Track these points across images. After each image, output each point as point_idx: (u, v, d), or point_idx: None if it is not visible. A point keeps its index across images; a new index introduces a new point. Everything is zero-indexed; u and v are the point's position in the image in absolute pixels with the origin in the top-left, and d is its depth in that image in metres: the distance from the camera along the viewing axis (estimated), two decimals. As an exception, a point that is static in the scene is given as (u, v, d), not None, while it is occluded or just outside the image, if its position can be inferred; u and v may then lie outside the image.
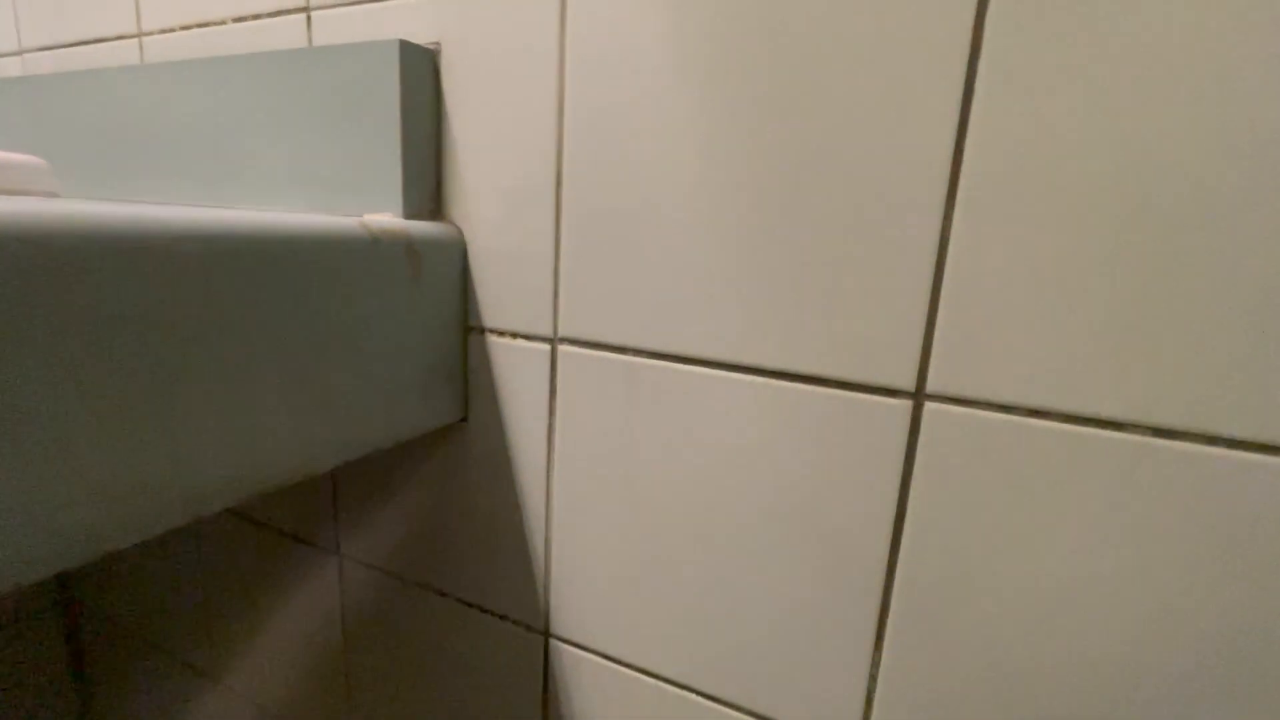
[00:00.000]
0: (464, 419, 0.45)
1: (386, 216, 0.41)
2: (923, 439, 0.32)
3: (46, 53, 0.62)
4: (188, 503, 0.28)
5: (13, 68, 0.65)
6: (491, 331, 0.43)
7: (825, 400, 0.34)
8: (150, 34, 0.55)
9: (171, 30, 0.53)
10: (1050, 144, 0.28)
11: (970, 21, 0.28)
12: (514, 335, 0.42)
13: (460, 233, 0.43)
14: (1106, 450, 0.28)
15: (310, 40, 0.46)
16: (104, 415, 0.25)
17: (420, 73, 0.41)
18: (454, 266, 0.42)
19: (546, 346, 0.41)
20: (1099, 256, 0.28)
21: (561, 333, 0.40)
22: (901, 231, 0.31)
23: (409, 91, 0.40)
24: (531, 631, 0.46)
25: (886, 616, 0.34)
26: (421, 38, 0.42)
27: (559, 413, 0.42)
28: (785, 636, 0.37)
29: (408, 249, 0.38)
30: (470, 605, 0.48)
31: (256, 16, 0.48)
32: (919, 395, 0.32)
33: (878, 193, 0.31)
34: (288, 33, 0.47)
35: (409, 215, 0.41)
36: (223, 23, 0.50)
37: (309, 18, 0.46)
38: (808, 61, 0.31)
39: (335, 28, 0.45)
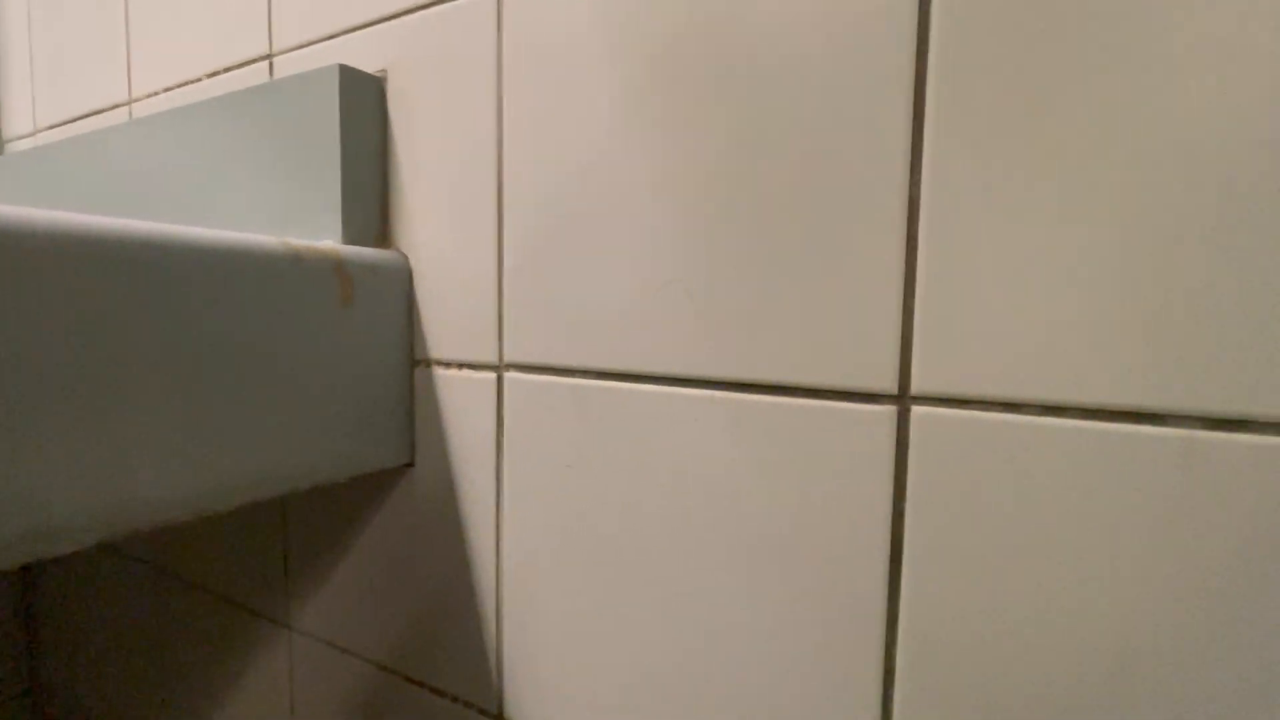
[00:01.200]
0: (411, 463, 0.40)
1: (327, 244, 0.39)
2: (914, 451, 0.26)
3: (55, 130, 0.65)
4: (26, 538, 0.24)
5: (27, 147, 0.68)
6: (438, 363, 0.39)
7: (795, 413, 0.28)
8: (139, 99, 0.56)
9: (156, 94, 0.55)
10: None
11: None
12: (459, 366, 0.38)
13: (406, 260, 0.40)
14: (1147, 448, 0.22)
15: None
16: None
17: (364, 99, 0.39)
18: (397, 294, 0.39)
19: (492, 375, 0.37)
20: (1115, 205, 0.22)
21: (507, 358, 0.36)
22: (864, 203, 0.26)
23: (350, 118, 0.39)
24: (484, 716, 0.39)
25: (893, 674, 0.27)
26: (370, 66, 0.41)
27: (507, 451, 0.37)
28: (774, 706, 0.30)
29: (338, 271, 0.35)
30: (418, 684, 0.41)
31: (227, 69, 0.49)
32: (904, 398, 0.26)
33: (833, 165, 0.27)
34: (255, 81, 0.48)
35: (350, 242, 0.39)
36: (199, 80, 0.51)
37: (271, 64, 0.46)
38: (757, 43, 0.28)
39: (296, 69, 0.45)
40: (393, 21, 0.40)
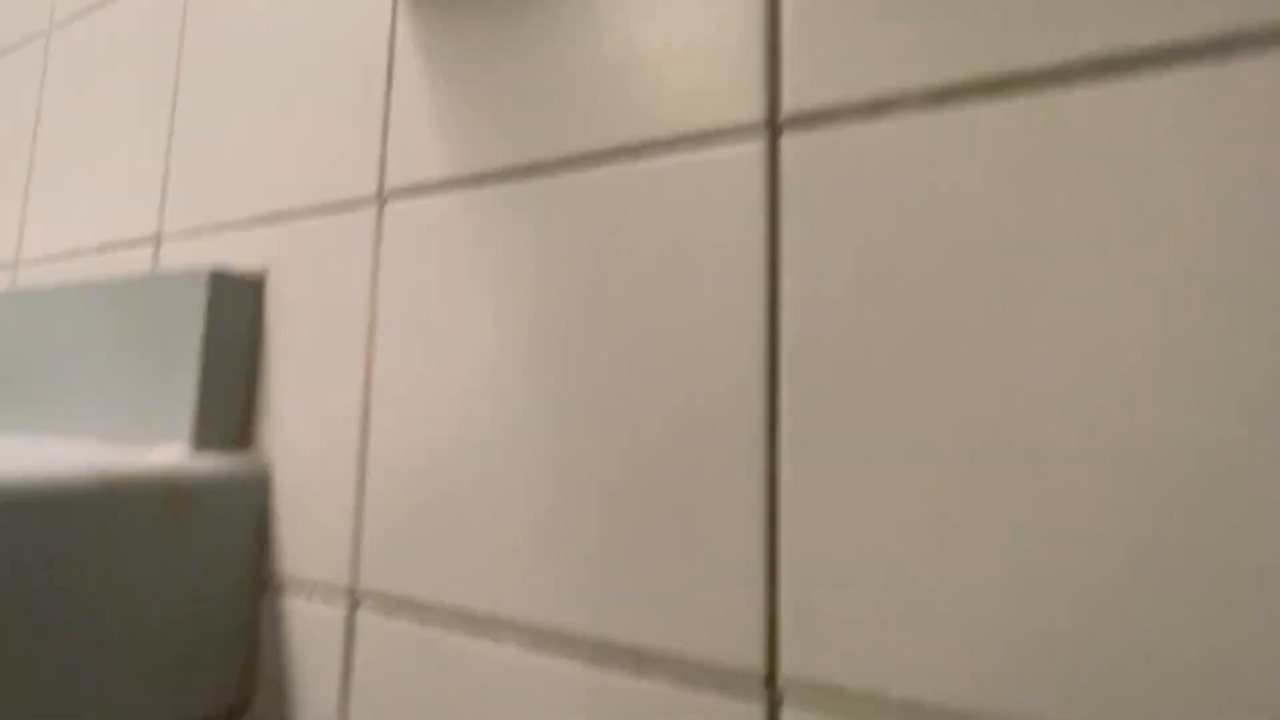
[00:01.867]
0: (246, 704, 0.35)
1: (174, 446, 0.35)
2: (783, 755, 0.22)
3: (-61, 284, 0.62)
4: None
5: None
6: (291, 583, 0.34)
7: (657, 700, 0.24)
8: (26, 262, 0.54)
9: (43, 260, 0.52)
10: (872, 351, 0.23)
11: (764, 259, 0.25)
12: (311, 589, 0.34)
13: (264, 467, 0.36)
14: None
15: (156, 267, 0.45)
16: None
17: (238, 300, 0.37)
18: (246, 508, 0.35)
19: (343, 609, 0.32)
20: (961, 489, 0.21)
21: (363, 585, 0.32)
22: (724, 470, 0.24)
23: (217, 320, 0.36)
24: None
25: None
26: (255, 260, 0.39)
27: (354, 698, 0.32)
28: None
29: (171, 494, 0.32)
30: None
31: (116, 246, 0.47)
32: (773, 684, 0.23)
33: (696, 428, 0.25)
34: (141, 260, 0.46)
35: (200, 446, 0.35)
36: (88, 251, 0.49)
37: (159, 242, 0.45)
38: (629, 300, 0.28)
39: (179, 255, 0.43)
40: (277, 223, 0.39)
